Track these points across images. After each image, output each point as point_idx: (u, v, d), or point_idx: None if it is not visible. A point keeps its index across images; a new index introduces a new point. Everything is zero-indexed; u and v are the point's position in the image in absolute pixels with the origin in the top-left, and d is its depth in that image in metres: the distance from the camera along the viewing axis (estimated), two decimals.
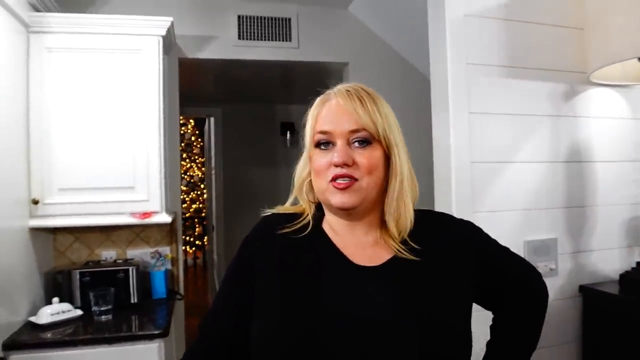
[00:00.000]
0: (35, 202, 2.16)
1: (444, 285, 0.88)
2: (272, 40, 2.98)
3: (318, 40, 3.06)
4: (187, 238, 7.89)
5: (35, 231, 2.26)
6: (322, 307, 0.84)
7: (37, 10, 2.22)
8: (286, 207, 0.99)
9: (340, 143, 0.87)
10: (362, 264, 0.89)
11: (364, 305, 0.84)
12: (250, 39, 2.94)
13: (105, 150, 2.26)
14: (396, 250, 0.89)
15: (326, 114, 0.90)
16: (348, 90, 0.90)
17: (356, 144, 0.87)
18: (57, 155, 2.21)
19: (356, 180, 0.86)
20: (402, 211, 0.89)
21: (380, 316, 0.82)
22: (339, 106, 0.89)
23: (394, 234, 0.89)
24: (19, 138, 2.12)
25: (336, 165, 0.86)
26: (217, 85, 4.31)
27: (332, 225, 0.94)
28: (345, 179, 0.86)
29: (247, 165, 5.24)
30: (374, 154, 0.87)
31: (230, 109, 5.21)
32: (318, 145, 0.90)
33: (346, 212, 0.90)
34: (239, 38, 2.92)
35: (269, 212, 1.00)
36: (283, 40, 2.99)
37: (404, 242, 0.89)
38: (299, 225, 0.94)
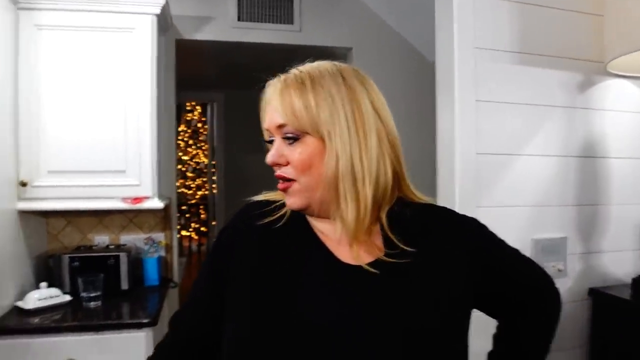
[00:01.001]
0: (24, 184, 2.09)
1: (437, 289, 0.78)
2: (273, 22, 2.87)
3: (321, 23, 2.95)
4: (193, 224, 7.85)
5: (26, 214, 2.21)
6: (298, 312, 0.75)
7: None
8: (274, 193, 0.90)
9: (276, 140, 0.80)
10: (346, 261, 0.79)
11: (344, 311, 0.74)
12: (250, 20, 2.83)
13: (95, 133, 2.18)
14: (381, 250, 0.79)
15: (261, 108, 0.83)
16: (275, 81, 0.81)
17: (287, 141, 0.78)
18: (47, 137, 2.14)
19: (294, 180, 0.78)
20: (344, 207, 0.76)
21: (362, 324, 0.73)
22: (265, 101, 0.82)
23: (349, 230, 0.77)
24: (7, 118, 2.05)
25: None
26: (218, 70, 4.22)
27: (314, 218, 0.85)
28: (284, 180, 0.79)
29: (250, 152, 5.15)
30: (306, 150, 0.77)
31: (232, 95, 5.12)
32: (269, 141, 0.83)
33: (306, 213, 0.82)
34: (239, 19, 2.82)
35: (252, 199, 0.91)
36: (284, 23, 2.88)
37: (389, 241, 0.79)
38: (280, 213, 0.85)
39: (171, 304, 2.66)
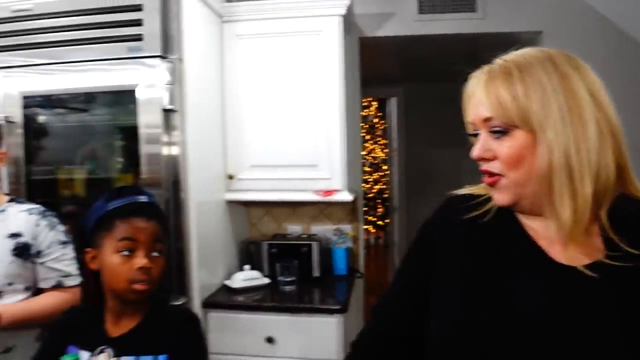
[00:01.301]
0: (231, 177, 2.39)
1: None
2: (454, 12, 2.78)
3: (505, 8, 2.75)
4: (370, 217, 8.06)
5: (232, 204, 2.51)
6: (508, 309, 0.73)
7: (229, 1, 2.43)
8: (477, 187, 0.88)
9: (482, 134, 0.76)
10: (561, 261, 0.74)
11: (560, 314, 0.70)
12: (432, 12, 2.79)
13: (289, 130, 2.37)
14: (600, 252, 0.72)
15: (464, 101, 0.80)
16: (478, 73, 0.78)
17: (494, 134, 0.74)
18: (248, 135, 2.40)
19: (502, 175, 0.74)
20: (559, 205, 0.71)
21: (582, 329, 0.68)
22: (467, 93, 0.79)
23: (565, 230, 0.71)
24: (218, 119, 2.36)
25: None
26: (398, 64, 4.22)
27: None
28: (490, 175, 0.76)
29: (430, 147, 5.08)
30: (515, 144, 0.72)
31: (412, 89, 5.09)
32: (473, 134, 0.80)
33: (515, 209, 0.78)
34: (420, 12, 2.79)
35: (454, 193, 0.90)
36: (467, 11, 2.77)
37: (610, 242, 0.71)
38: (486, 208, 0.82)
39: (357, 294, 2.77)
